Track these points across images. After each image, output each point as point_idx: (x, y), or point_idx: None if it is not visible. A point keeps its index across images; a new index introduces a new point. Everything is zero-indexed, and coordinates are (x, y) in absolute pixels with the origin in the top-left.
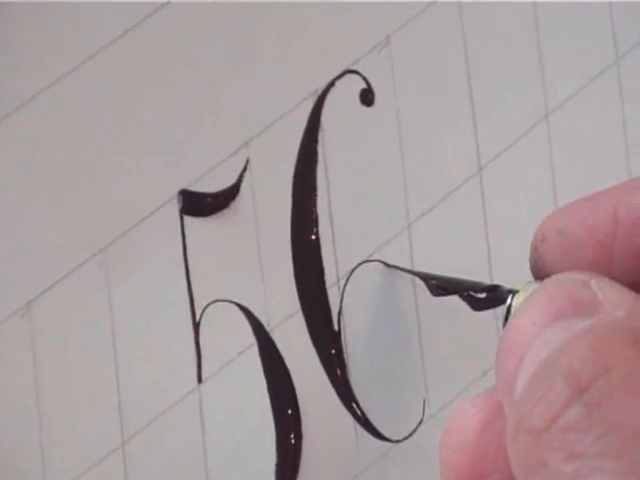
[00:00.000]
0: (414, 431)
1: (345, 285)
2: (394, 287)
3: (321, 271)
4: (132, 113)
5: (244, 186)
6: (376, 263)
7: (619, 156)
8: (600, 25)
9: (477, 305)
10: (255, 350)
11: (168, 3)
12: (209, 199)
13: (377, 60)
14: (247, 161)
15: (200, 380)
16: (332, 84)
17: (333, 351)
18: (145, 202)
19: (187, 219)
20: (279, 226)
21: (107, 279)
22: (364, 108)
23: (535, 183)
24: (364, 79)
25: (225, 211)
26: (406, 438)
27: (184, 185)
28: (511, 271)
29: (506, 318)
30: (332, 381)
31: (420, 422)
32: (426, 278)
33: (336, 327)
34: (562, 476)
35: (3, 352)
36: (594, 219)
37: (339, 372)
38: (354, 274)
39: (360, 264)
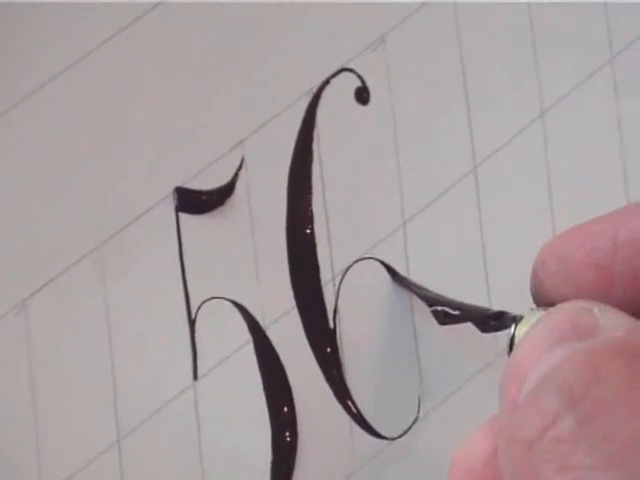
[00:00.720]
0: (409, 429)
1: (340, 283)
2: (389, 285)
3: (316, 269)
4: (127, 111)
5: (239, 184)
6: (371, 261)
7: (614, 154)
8: (595, 24)
9: (484, 329)
10: (251, 347)
11: (162, 3)
12: (204, 197)
13: (372, 58)
14: (242, 159)
15: (196, 377)
16: (327, 82)
17: (328, 349)
18: (140, 200)
19: (182, 217)
20: (274, 224)
21: (102, 277)
22: (359, 106)
23: (530, 181)
24: (359, 77)
25: (220, 209)
26: (401, 436)
27: (179, 183)
28: (506, 269)
29: (510, 345)
30: (328, 379)
31: (415, 420)
32: (431, 304)
33: (331, 325)
34: None
35: None
36: (593, 244)
37: (334, 370)
38: (349, 272)
39: (356, 262)
